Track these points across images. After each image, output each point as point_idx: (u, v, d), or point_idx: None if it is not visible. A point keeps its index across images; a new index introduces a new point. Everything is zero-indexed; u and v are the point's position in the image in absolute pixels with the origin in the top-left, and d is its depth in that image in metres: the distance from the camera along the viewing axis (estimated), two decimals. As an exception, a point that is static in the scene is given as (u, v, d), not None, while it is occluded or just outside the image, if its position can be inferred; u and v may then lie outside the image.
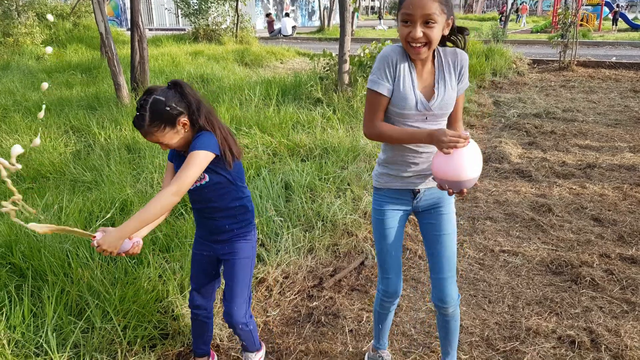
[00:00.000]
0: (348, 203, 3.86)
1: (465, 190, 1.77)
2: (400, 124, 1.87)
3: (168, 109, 1.82)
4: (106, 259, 2.86)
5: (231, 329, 2.33)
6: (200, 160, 1.81)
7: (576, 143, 5.76)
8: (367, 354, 2.50)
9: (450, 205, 2.04)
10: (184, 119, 1.86)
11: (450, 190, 1.78)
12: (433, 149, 1.87)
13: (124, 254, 1.88)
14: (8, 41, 12.46)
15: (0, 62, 10.92)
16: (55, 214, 3.41)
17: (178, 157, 1.98)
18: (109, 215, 3.38)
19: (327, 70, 7.75)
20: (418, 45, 1.72)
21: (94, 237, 1.73)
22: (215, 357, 2.48)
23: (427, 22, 1.68)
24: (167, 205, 1.77)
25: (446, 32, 1.78)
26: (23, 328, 2.38)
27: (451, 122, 1.96)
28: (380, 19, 32.54)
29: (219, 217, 2.03)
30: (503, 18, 21.52)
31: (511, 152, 5.40)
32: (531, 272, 3.22)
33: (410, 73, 1.82)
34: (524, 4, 20.82)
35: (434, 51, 1.84)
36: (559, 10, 11.82)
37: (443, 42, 1.87)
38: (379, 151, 4.34)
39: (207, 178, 1.94)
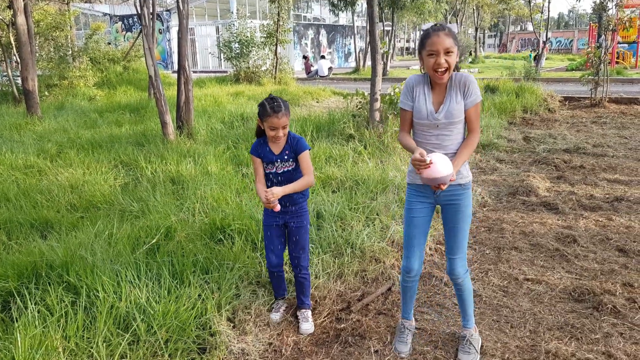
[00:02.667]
0: (376, 232, 4.05)
1: (442, 185, 2.30)
2: (420, 131, 2.52)
3: (288, 105, 2.81)
4: (151, 278, 3.13)
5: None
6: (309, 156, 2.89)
7: (605, 177, 5.80)
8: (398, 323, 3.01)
9: (465, 202, 2.56)
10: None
11: (434, 186, 2.33)
12: (447, 149, 2.46)
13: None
14: (63, 84, 13.39)
15: (56, 103, 11.75)
16: (105, 239, 3.74)
17: (262, 146, 2.88)
18: (154, 241, 3.68)
19: (359, 108, 8.06)
20: (441, 70, 2.33)
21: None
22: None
23: (448, 52, 2.31)
24: (311, 184, 2.89)
25: (457, 60, 2.38)
26: (77, 339, 2.64)
27: (468, 131, 2.51)
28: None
29: (294, 193, 2.85)
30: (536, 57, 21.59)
31: (539, 185, 5.48)
32: (554, 299, 3.30)
33: (425, 93, 2.47)
34: (545, 43, 20.86)
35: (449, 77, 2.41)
36: (588, 50, 11.91)
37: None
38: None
39: (294, 165, 2.88)
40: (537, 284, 3.49)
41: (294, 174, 2.89)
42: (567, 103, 11.18)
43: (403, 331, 2.91)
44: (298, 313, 3.14)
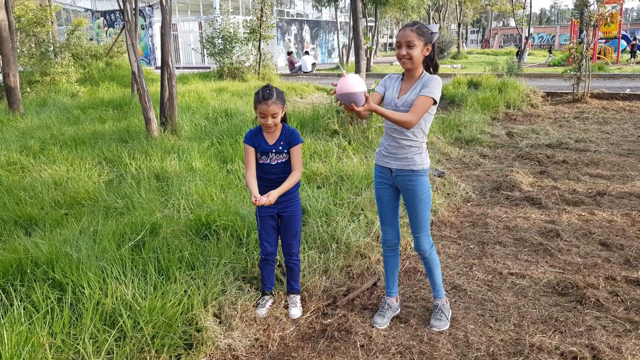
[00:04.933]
0: (362, 227, 4.07)
1: (355, 105, 2.39)
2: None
3: (283, 96, 2.92)
4: (137, 274, 3.11)
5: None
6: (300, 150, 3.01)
7: (587, 172, 5.90)
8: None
9: (420, 187, 2.83)
10: (284, 109, 2.94)
11: (347, 107, 2.43)
12: (401, 135, 2.77)
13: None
14: (45, 80, 13.17)
15: (38, 100, 11.57)
16: (90, 236, 3.71)
17: (257, 135, 2.96)
18: (139, 237, 3.65)
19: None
20: (403, 59, 2.70)
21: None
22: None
23: (409, 45, 2.67)
24: (299, 179, 3.03)
25: (426, 54, 2.71)
26: (63, 335, 2.62)
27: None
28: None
29: None
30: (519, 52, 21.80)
31: (522, 180, 5.56)
32: (537, 293, 3.35)
33: (396, 84, 2.84)
34: (527, 39, 21.09)
35: (421, 75, 2.75)
36: (569, 46, 12.06)
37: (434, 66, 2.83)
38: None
39: (287, 157, 2.98)
40: (521, 278, 3.54)
41: (287, 167, 2.98)
42: (549, 98, 11.32)
43: (384, 306, 3.15)
44: (287, 298, 3.23)
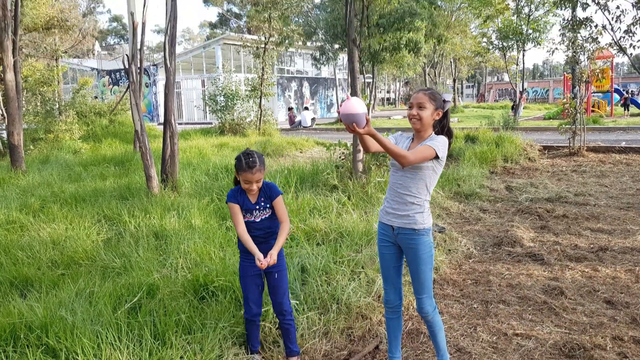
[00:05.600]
0: (362, 286, 4.01)
1: (357, 126, 2.46)
2: (392, 172, 2.92)
3: (264, 159, 2.97)
4: (132, 339, 3.03)
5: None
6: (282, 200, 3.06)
7: (588, 226, 5.87)
8: None
9: (422, 247, 2.81)
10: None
11: (349, 127, 2.48)
12: (405, 191, 2.79)
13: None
14: (49, 137, 13.36)
15: (41, 157, 11.69)
16: (86, 298, 3.64)
17: (240, 194, 2.98)
18: (135, 299, 3.59)
19: (342, 159, 8.16)
20: (413, 119, 2.81)
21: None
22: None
23: (420, 106, 2.79)
24: (289, 229, 3.08)
25: (436, 118, 2.82)
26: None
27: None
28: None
29: (270, 239, 3.00)
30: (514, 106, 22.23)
31: (523, 236, 5.53)
32: (544, 355, 3.26)
33: (405, 142, 2.94)
34: (522, 93, 21.57)
35: (429, 136, 2.83)
36: (563, 101, 12.32)
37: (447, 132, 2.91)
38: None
39: (271, 212, 3.02)
40: (527, 339, 3.45)
41: (271, 221, 3.03)
42: (546, 152, 11.44)
43: None
44: None
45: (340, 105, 2.52)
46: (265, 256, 2.88)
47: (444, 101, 2.84)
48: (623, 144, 11.35)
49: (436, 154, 2.70)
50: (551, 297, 4.08)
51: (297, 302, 3.69)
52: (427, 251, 2.83)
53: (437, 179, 2.89)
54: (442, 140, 2.78)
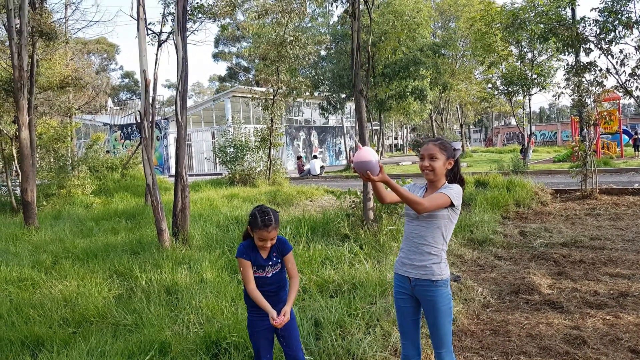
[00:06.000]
0: (378, 339, 3.91)
1: (371, 174, 2.49)
2: (407, 221, 2.91)
3: (278, 215, 2.98)
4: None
5: None
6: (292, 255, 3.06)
7: (606, 271, 5.74)
8: None
9: (440, 299, 2.76)
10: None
11: (363, 175, 2.52)
12: (422, 240, 2.78)
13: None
14: (62, 192, 13.53)
15: (53, 212, 11.79)
16: (98, 356, 3.58)
17: (252, 250, 2.96)
18: (147, 358, 3.53)
19: (353, 208, 8.14)
20: (426, 171, 2.83)
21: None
22: None
23: (432, 157, 2.81)
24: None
25: (448, 167, 2.84)
26: None
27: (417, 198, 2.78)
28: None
29: (281, 293, 3.00)
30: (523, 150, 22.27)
31: (541, 282, 5.41)
32: (570, 409, 3.12)
33: (419, 193, 2.93)
34: (530, 137, 21.65)
35: (442, 185, 2.84)
36: (572, 144, 12.33)
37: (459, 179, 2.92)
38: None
39: (281, 266, 3.02)
40: (551, 392, 3.32)
41: (281, 275, 3.04)
42: (558, 195, 11.34)
43: None
44: None
45: (353, 155, 2.58)
46: (278, 313, 2.86)
47: (454, 149, 2.87)
48: (636, 186, 11.24)
49: (451, 201, 2.71)
50: (573, 347, 3.95)
51: (312, 358, 3.60)
52: (445, 303, 2.78)
53: (453, 228, 2.87)
54: (457, 188, 2.79)
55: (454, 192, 2.75)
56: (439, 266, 2.77)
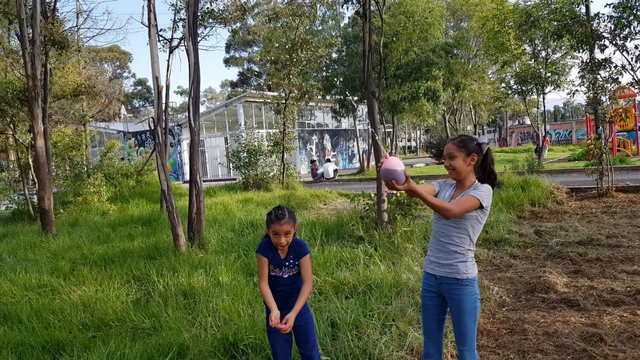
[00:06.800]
0: (394, 339, 3.92)
1: (396, 183, 2.50)
2: (435, 220, 2.93)
3: (295, 215, 3.05)
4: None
5: None
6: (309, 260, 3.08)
7: (623, 269, 5.68)
8: None
9: (465, 298, 2.77)
10: (296, 227, 3.04)
11: (388, 183, 2.53)
12: (448, 240, 2.79)
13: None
14: (78, 200, 13.72)
15: (70, 220, 11.97)
16: (117, 360, 3.65)
17: (270, 250, 3.03)
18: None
19: (367, 210, 8.15)
20: (449, 170, 2.85)
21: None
22: None
23: (450, 156, 2.83)
24: (311, 290, 3.11)
25: (471, 163, 2.82)
26: None
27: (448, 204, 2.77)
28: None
29: (295, 294, 3.00)
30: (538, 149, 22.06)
31: (557, 281, 5.37)
32: (589, 407, 3.11)
33: (450, 189, 2.93)
34: (544, 137, 21.40)
35: (472, 183, 2.83)
36: (588, 142, 12.20)
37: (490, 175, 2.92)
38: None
39: (297, 269, 3.04)
40: (569, 390, 3.30)
41: (297, 278, 3.06)
42: (574, 194, 11.23)
43: None
44: None
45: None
46: (282, 314, 2.88)
47: (478, 144, 2.83)
48: (653, 182, 11.09)
49: (480, 203, 2.69)
50: (590, 344, 3.92)
51: (329, 358, 3.63)
52: (471, 302, 2.79)
53: (481, 228, 2.86)
54: (487, 189, 2.76)
55: (484, 193, 2.73)
56: (465, 265, 2.78)
